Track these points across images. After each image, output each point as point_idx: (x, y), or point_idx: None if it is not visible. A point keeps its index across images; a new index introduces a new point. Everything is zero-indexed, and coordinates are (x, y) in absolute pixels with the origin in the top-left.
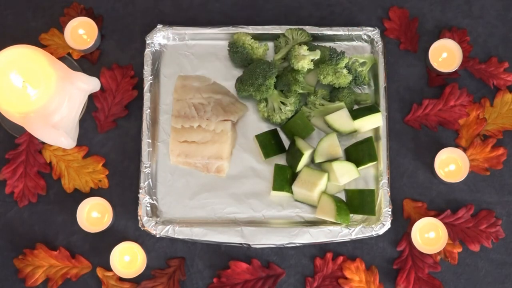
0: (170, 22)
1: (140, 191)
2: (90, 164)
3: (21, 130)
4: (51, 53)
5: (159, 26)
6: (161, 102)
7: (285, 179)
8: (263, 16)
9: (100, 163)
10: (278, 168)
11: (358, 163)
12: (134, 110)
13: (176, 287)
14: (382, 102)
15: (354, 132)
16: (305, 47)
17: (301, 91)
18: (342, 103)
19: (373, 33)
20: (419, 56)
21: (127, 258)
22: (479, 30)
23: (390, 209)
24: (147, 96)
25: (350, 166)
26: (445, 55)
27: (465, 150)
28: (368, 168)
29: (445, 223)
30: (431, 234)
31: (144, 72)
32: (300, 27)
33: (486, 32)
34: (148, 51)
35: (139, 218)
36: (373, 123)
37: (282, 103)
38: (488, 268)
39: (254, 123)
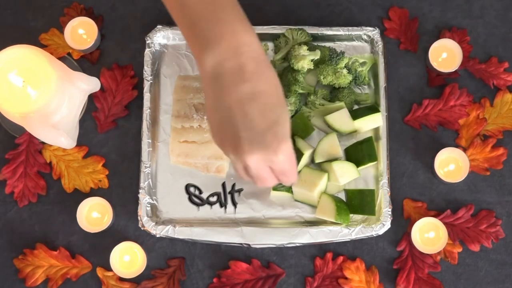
0: (170, 22)
1: (140, 191)
2: (90, 164)
3: (21, 130)
4: (51, 53)
5: (159, 26)
6: (161, 102)
7: None
8: (263, 16)
9: (100, 163)
10: None
11: (358, 163)
12: (134, 110)
13: (176, 287)
14: (382, 102)
15: (354, 132)
16: (305, 47)
17: (301, 91)
18: (342, 103)
19: (373, 33)
20: (419, 56)
21: (127, 258)
22: (479, 30)
23: (390, 209)
24: (147, 96)
25: (350, 166)
26: (445, 55)
27: (465, 150)
28: (368, 168)
29: (445, 223)
30: (431, 234)
31: (144, 72)
32: (300, 27)
33: (486, 32)
34: (148, 51)
35: (139, 218)
36: (373, 123)
37: None
38: (488, 268)
39: None
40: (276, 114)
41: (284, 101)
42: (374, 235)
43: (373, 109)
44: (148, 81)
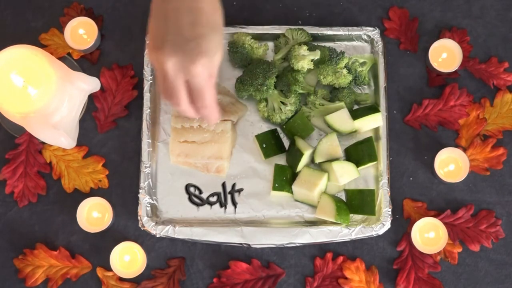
0: None
1: (140, 191)
2: (90, 164)
3: (21, 130)
4: (51, 53)
5: None
6: (161, 102)
7: (285, 179)
8: (263, 16)
9: (100, 163)
10: (278, 168)
11: (358, 163)
12: (134, 110)
13: (176, 287)
14: (382, 102)
15: (354, 132)
16: (305, 47)
17: (301, 91)
18: (342, 103)
19: (373, 33)
20: (419, 56)
21: (127, 258)
22: (479, 30)
23: (390, 209)
24: (147, 96)
25: (350, 166)
26: (445, 55)
27: (465, 150)
28: (368, 168)
29: (445, 223)
30: (431, 234)
31: (144, 72)
32: (300, 27)
33: (486, 32)
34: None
35: (139, 218)
36: (373, 123)
37: (282, 103)
38: (488, 268)
39: (254, 123)
40: (206, 31)
41: (220, 27)
42: (374, 235)
43: (373, 109)
44: (148, 81)
